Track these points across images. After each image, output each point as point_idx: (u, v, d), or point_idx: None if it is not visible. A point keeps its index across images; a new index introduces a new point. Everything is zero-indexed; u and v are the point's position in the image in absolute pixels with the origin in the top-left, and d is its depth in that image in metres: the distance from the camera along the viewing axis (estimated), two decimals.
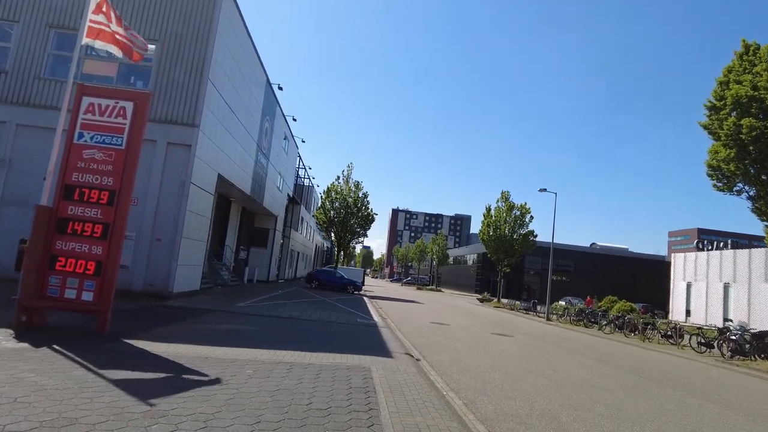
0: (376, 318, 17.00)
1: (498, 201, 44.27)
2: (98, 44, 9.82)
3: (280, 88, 27.12)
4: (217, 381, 6.08)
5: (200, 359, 7.31)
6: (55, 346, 7.39)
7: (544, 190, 31.98)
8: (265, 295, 21.63)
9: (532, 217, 43.46)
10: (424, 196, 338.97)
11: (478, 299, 49.56)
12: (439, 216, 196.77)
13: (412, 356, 9.77)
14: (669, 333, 20.48)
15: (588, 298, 42.34)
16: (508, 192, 44.18)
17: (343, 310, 18.38)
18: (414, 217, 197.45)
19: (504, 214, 43.39)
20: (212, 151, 17.66)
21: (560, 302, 42.35)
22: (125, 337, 8.63)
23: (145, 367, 6.51)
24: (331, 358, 8.27)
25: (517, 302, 40.57)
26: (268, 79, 25.47)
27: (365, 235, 41.09)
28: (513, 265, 45.97)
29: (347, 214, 37.12)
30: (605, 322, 25.13)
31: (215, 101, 17.20)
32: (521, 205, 43.67)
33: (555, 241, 33.98)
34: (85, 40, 9.70)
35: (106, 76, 16.36)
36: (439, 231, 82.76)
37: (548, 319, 30.46)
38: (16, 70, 16.07)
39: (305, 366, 7.37)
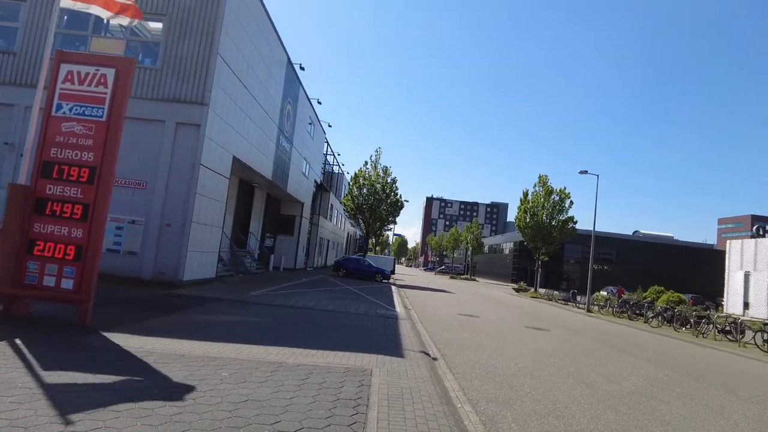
0: (398, 309, 15.79)
1: (535, 185, 42.06)
2: (78, 6, 8.89)
3: (302, 68, 26.06)
4: (176, 387, 5.01)
5: (174, 357, 6.29)
6: (17, 340, 6.54)
7: (585, 172, 29.77)
8: (286, 283, 20.78)
9: (572, 203, 41.10)
10: (459, 185, 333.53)
11: (513, 289, 47.64)
12: (475, 204, 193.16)
13: (428, 355, 8.50)
14: (727, 328, 18.38)
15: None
16: (546, 176, 41.88)
17: (365, 300, 17.26)
18: (449, 205, 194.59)
19: (542, 200, 41.16)
20: (225, 132, 16.75)
21: (602, 292, 39.95)
22: (107, 329, 7.74)
23: (101, 367, 5.52)
24: (329, 357, 7.11)
25: (555, 292, 38.49)
26: (288, 59, 24.41)
27: (394, 222, 39.82)
28: (551, 254, 43.81)
29: (375, 201, 35.90)
30: (652, 315, 23.09)
31: (226, 78, 16.23)
32: (560, 190, 41.34)
33: (596, 229, 31.78)
34: (64, 3, 8.80)
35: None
36: (474, 219, 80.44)
37: (589, 310, 28.52)
38: (23, 51, 15.56)
39: (293, 368, 6.23)
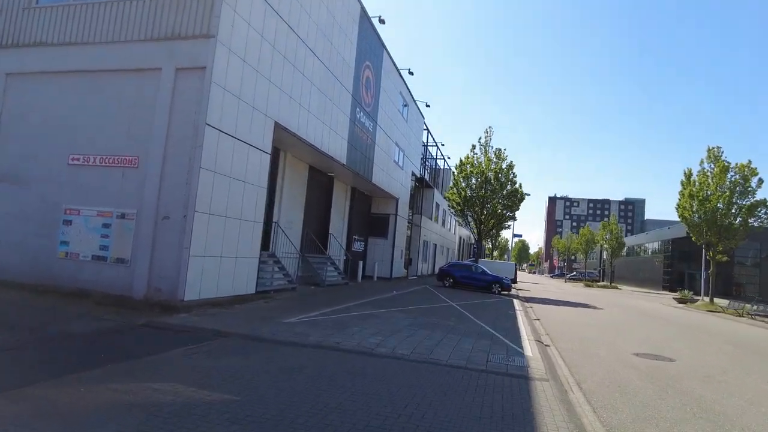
0: (528, 348, 9.15)
1: (702, 162, 31.73)
2: None
3: (382, 21, 20.43)
4: None
5: None
6: None
7: None
8: (364, 299, 15.08)
9: (761, 181, 30.08)
10: (586, 182, 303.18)
11: (675, 299, 36.97)
12: (606, 201, 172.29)
13: None
14: None
15: None
16: (717, 148, 31.36)
17: (473, 329, 10.87)
18: (575, 204, 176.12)
19: (714, 180, 30.78)
20: (255, 84, 11.66)
21: None
22: None
23: None
24: None
25: (747, 305, 27.89)
26: (363, 9, 19.02)
27: (513, 218, 32.33)
28: (730, 252, 32.89)
29: (488, 192, 28.90)
30: None
31: (249, 2, 11.14)
32: (742, 165, 30.56)
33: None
34: None
35: None
36: (612, 216, 68.43)
37: None
38: (4, 5, 12.03)
39: None
